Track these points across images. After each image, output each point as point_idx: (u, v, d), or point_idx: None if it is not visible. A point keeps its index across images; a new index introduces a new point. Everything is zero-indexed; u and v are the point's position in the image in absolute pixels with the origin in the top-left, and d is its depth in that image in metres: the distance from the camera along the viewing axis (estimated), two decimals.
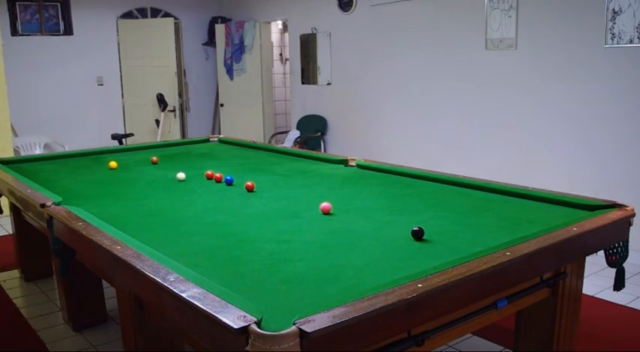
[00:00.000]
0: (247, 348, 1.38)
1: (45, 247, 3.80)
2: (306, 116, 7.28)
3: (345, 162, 3.70)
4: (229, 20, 8.27)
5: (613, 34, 4.21)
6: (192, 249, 2.13)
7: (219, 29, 8.19)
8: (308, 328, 1.39)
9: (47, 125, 7.41)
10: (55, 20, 7.42)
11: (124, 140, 7.09)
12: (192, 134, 8.55)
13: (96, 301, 3.32)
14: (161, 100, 7.77)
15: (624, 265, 2.42)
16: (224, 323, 1.43)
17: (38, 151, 6.94)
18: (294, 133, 7.26)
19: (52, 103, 7.48)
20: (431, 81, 5.70)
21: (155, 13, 8.27)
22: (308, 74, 7.25)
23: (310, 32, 7.08)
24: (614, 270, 2.45)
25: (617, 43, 4.19)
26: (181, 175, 3.37)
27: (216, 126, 8.84)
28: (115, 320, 3.35)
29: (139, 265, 1.86)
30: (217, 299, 1.57)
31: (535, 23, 4.73)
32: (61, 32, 7.48)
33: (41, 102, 7.39)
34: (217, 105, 8.65)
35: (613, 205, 2.47)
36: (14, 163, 3.95)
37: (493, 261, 1.85)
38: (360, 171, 3.53)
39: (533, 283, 2.20)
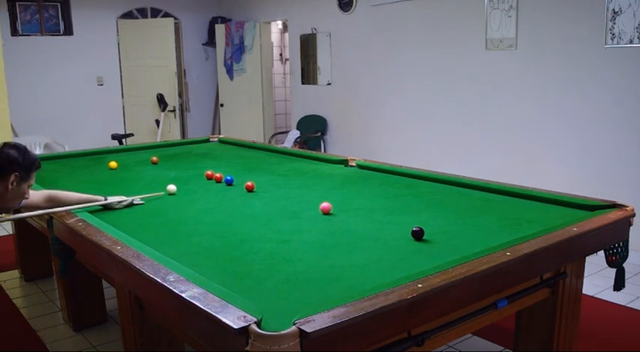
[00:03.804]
0: (247, 348, 1.38)
1: (45, 247, 3.80)
2: (306, 116, 7.28)
3: (345, 162, 3.70)
4: (229, 20, 8.27)
5: (613, 34, 4.21)
6: (192, 249, 2.13)
7: (219, 29, 8.19)
8: (308, 328, 1.39)
9: (47, 125, 7.41)
10: (55, 20, 7.42)
11: (124, 140, 7.10)
12: (192, 134, 8.55)
13: (96, 301, 3.32)
14: (161, 100, 7.77)
15: (624, 265, 2.42)
16: (224, 323, 1.43)
17: (38, 151, 6.94)
18: (294, 133, 7.26)
19: (52, 103, 7.48)
20: (431, 81, 5.70)
21: (155, 13, 8.27)
22: (308, 74, 7.25)
23: (310, 32, 7.08)
24: (614, 270, 2.45)
25: (617, 43, 4.19)
26: (172, 187, 3.04)
27: (216, 126, 8.84)
28: (115, 320, 3.35)
29: (138, 265, 1.86)
30: (217, 299, 1.57)
31: (535, 23, 4.73)
32: (61, 32, 7.48)
33: (41, 102, 7.39)
34: (217, 105, 8.65)
35: (613, 205, 2.47)
36: None
37: (493, 261, 1.85)
38: (360, 171, 3.53)
39: (533, 283, 2.20)
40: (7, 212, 2.53)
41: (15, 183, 2.37)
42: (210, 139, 4.98)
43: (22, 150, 2.41)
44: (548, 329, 2.44)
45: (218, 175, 3.32)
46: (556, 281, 2.31)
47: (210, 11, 8.59)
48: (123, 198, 2.76)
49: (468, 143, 5.41)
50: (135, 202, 2.80)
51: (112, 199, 2.73)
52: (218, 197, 2.96)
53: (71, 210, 2.59)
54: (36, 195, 2.60)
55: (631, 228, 2.38)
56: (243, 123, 8.10)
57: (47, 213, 2.58)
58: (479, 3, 5.11)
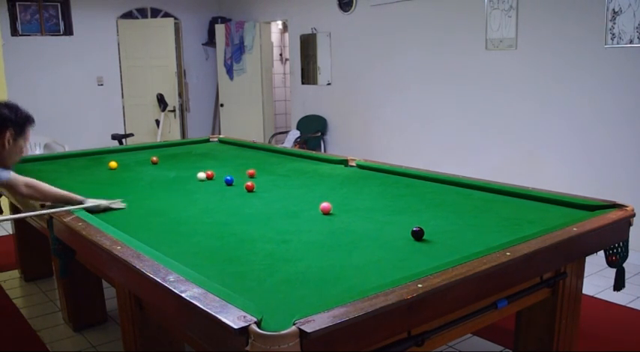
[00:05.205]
0: (247, 348, 1.38)
1: (45, 247, 3.80)
2: (306, 116, 7.28)
3: (345, 162, 3.70)
4: (229, 20, 8.27)
5: (613, 34, 4.21)
6: (193, 249, 2.13)
7: (219, 29, 8.19)
8: (308, 328, 1.39)
9: (47, 125, 7.40)
10: (55, 20, 7.42)
11: (124, 140, 7.09)
12: (192, 134, 8.55)
13: (96, 301, 3.32)
14: (161, 100, 7.77)
15: (624, 265, 2.42)
16: (224, 323, 1.43)
17: (38, 151, 6.93)
18: (294, 133, 7.26)
19: (52, 103, 7.48)
20: (431, 81, 5.70)
21: (155, 13, 8.27)
22: (308, 74, 7.25)
23: (310, 32, 7.08)
24: (614, 270, 2.44)
25: (617, 43, 4.19)
26: (202, 175, 3.33)
27: (216, 126, 8.84)
28: (115, 320, 3.35)
29: (138, 265, 1.86)
30: (217, 299, 1.57)
31: (535, 23, 4.73)
32: (61, 32, 7.48)
33: (41, 102, 7.39)
34: (217, 105, 8.65)
35: (613, 205, 2.47)
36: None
37: (493, 261, 1.85)
38: (360, 171, 3.52)
39: (533, 283, 2.20)
40: (9, 168, 2.60)
41: (11, 140, 2.47)
42: (210, 139, 4.98)
43: (13, 107, 2.50)
44: (548, 329, 2.45)
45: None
46: (556, 281, 2.32)
47: (210, 11, 8.59)
48: (101, 201, 2.69)
49: (468, 143, 5.41)
50: (114, 206, 2.70)
51: (91, 202, 2.67)
52: (218, 197, 2.96)
53: (58, 212, 2.57)
54: (19, 177, 2.65)
55: (631, 228, 2.38)
56: (243, 123, 8.10)
57: (46, 214, 2.59)
58: (479, 3, 5.11)
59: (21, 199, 3.00)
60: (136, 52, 7.95)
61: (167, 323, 2.08)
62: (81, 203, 2.66)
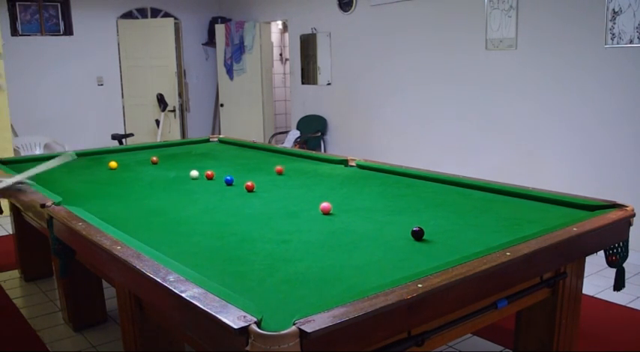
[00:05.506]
0: (247, 348, 1.38)
1: (45, 247, 3.80)
2: (306, 116, 7.28)
3: (345, 162, 3.70)
4: (229, 20, 8.27)
5: (613, 34, 4.21)
6: (193, 249, 2.13)
7: (219, 29, 8.19)
8: (308, 328, 1.39)
9: (47, 125, 7.41)
10: (55, 20, 7.42)
11: (124, 140, 7.10)
12: (192, 134, 8.55)
13: (96, 301, 3.32)
14: (161, 100, 7.77)
15: (624, 265, 2.42)
16: (224, 323, 1.43)
17: (38, 151, 6.94)
18: (294, 133, 7.26)
19: (52, 103, 7.48)
20: (431, 81, 5.70)
21: (155, 13, 8.27)
22: (308, 74, 7.25)
23: (310, 32, 7.08)
24: (614, 270, 2.45)
25: (617, 43, 4.19)
26: (195, 173, 3.38)
27: (216, 126, 8.84)
28: (115, 320, 3.35)
29: (138, 265, 1.86)
30: (217, 299, 1.57)
31: (535, 23, 4.73)
32: (61, 32, 7.48)
33: (41, 102, 7.40)
34: (217, 105, 8.65)
35: (613, 205, 2.47)
36: (14, 163, 3.95)
37: (493, 261, 1.85)
38: (360, 171, 3.53)
39: (533, 283, 2.20)
40: None
41: None
42: (210, 139, 4.98)
43: None
44: (548, 329, 2.45)
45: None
46: (556, 281, 2.32)
47: (210, 11, 8.59)
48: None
49: (468, 143, 5.41)
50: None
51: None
52: (218, 197, 2.96)
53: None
54: None
55: (631, 228, 2.38)
56: (243, 123, 8.10)
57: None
58: (479, 3, 5.11)
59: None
60: (136, 52, 7.95)
61: (167, 323, 2.08)
62: None
